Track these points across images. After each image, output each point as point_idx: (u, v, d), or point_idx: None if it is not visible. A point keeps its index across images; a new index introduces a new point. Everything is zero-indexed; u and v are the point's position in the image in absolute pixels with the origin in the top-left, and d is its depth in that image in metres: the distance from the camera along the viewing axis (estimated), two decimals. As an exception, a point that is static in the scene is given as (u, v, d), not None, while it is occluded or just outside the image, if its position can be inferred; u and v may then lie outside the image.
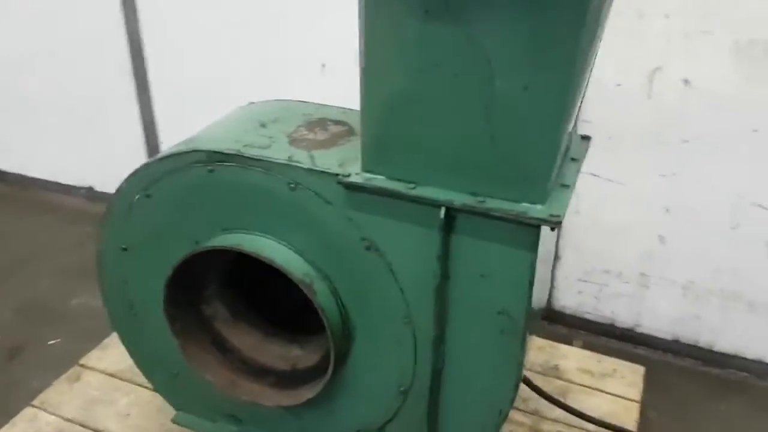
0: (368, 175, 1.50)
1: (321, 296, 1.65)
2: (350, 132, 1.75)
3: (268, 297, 2.06)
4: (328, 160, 1.60)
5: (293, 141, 1.70)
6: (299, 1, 3.04)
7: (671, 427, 2.69)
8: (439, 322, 1.59)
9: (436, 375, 1.66)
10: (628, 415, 2.52)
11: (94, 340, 2.82)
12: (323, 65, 3.15)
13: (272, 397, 1.87)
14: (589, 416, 2.26)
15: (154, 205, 1.77)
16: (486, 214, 1.41)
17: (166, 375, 2.07)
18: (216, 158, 1.65)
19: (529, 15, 1.20)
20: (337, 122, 1.80)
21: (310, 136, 1.72)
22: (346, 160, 1.59)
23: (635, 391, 2.65)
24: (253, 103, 2.05)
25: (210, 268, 1.87)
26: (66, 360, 2.74)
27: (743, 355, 2.98)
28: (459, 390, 1.67)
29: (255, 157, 1.61)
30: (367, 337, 1.71)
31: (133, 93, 3.56)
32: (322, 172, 1.56)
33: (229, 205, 1.70)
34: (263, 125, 1.78)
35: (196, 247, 1.70)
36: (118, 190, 1.81)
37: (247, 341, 1.97)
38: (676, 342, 3.06)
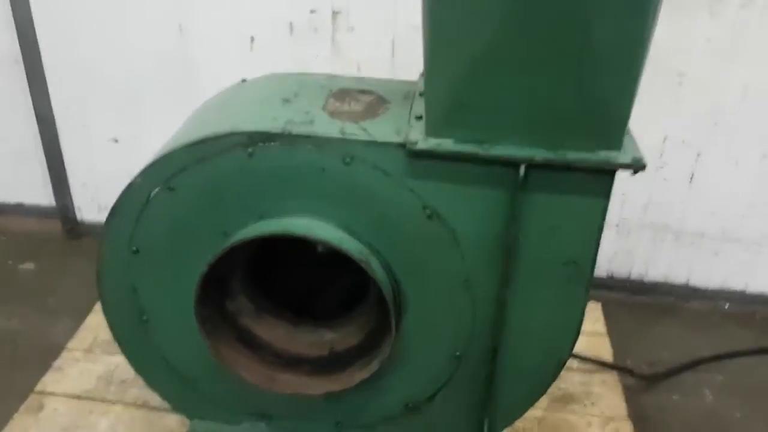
0: (436, 141, 1.47)
1: (378, 272, 1.59)
2: (382, 100, 1.69)
3: (280, 285, 1.96)
4: (383, 131, 1.54)
5: (333, 114, 1.61)
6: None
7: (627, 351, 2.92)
8: (505, 281, 1.60)
9: (496, 334, 1.68)
10: (604, 347, 2.70)
11: (23, 365, 2.53)
12: (252, 38, 2.98)
13: (317, 386, 1.79)
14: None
15: (177, 198, 1.61)
16: (566, 167, 1.43)
17: (180, 383, 1.91)
18: (258, 139, 1.53)
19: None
20: (362, 92, 1.73)
21: (346, 107, 1.64)
22: (400, 129, 1.54)
23: (601, 326, 2.84)
24: (245, 80, 1.91)
25: (234, 261, 1.74)
26: (5, 392, 2.43)
27: (671, 282, 3.28)
28: (519, 345, 1.71)
29: (305, 134, 1.52)
30: (420, 307, 1.69)
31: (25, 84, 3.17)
32: (384, 143, 1.50)
33: (269, 190, 1.58)
34: (287, 101, 1.67)
35: (239, 238, 1.57)
36: (129, 187, 1.62)
37: (276, 333, 1.87)
38: (611, 278, 3.31)
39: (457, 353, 1.74)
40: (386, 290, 1.59)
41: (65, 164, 3.34)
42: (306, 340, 1.88)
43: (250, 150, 1.53)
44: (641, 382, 2.78)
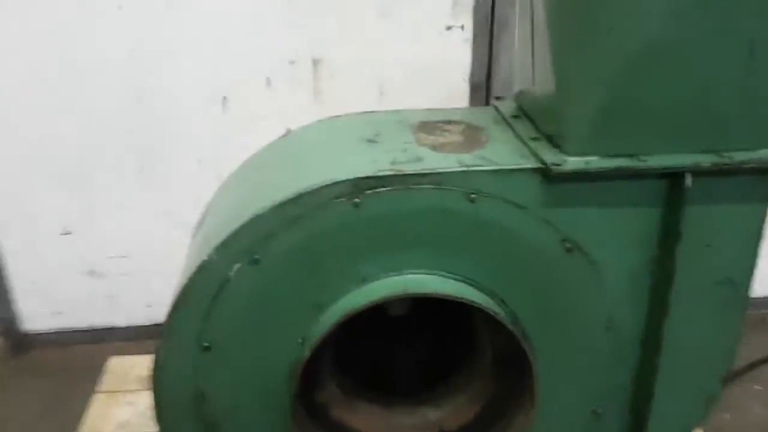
0: (583, 159, 1.26)
1: (510, 324, 1.34)
2: (474, 128, 1.47)
3: (358, 362, 1.66)
4: (506, 158, 1.31)
5: (435, 148, 1.36)
6: (195, 17, 2.53)
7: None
8: (659, 315, 1.39)
9: (646, 380, 1.45)
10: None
11: None
12: (225, 99, 2.69)
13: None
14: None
15: (263, 273, 1.29)
16: (729, 171, 1.26)
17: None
18: (366, 186, 1.25)
19: None
20: (448, 122, 1.50)
21: (443, 140, 1.40)
22: (523, 153, 1.32)
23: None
24: (290, 130, 1.63)
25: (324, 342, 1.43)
26: None
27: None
28: (665, 389, 1.48)
29: (422, 172, 1.26)
30: (553, 360, 1.44)
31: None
32: (516, 170, 1.27)
33: (377, 246, 1.31)
34: (372, 141, 1.41)
35: (351, 306, 1.27)
36: (201, 268, 1.29)
37: (372, 422, 1.55)
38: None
39: (597, 410, 1.50)
40: (526, 345, 1.34)
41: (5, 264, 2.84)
42: (408, 425, 1.57)
43: (356, 200, 1.25)
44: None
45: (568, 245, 1.32)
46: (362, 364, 1.64)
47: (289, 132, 1.62)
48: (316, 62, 2.69)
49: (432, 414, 1.57)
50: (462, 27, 2.72)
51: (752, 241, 1.35)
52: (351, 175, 1.25)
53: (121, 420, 2.29)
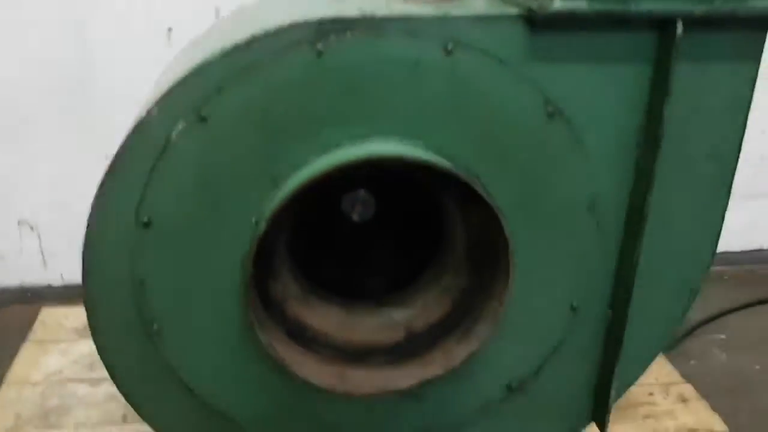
0: (568, 2, 1.14)
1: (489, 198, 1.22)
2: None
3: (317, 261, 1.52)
4: (487, 7, 1.19)
5: (409, 1, 1.23)
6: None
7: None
8: (640, 192, 1.29)
9: (628, 267, 1.35)
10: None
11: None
12: (170, 29, 2.51)
13: (405, 377, 1.35)
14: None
15: (211, 133, 1.14)
16: (722, 20, 1.17)
17: (210, 421, 1.38)
18: (331, 29, 1.11)
19: None
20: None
21: (420, -2, 1.27)
22: (507, 4, 1.21)
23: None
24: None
25: (279, 226, 1.28)
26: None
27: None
28: (647, 278, 1.38)
29: (393, 16, 1.13)
30: (530, 246, 1.33)
31: None
32: (500, 16, 1.15)
33: (341, 103, 1.17)
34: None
35: (309, 174, 1.13)
36: (138, 128, 1.12)
37: (332, 321, 1.41)
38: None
39: (574, 303, 1.39)
40: (504, 221, 1.22)
41: None
42: (371, 326, 1.43)
43: (319, 47, 1.11)
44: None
45: (550, 109, 1.21)
46: (323, 267, 1.49)
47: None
48: (267, -8, 2.53)
49: (398, 314, 1.44)
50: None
51: (741, 107, 1.26)
52: (314, 18, 1.11)
53: (51, 369, 2.08)
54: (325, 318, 1.40)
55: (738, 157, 1.30)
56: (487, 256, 1.31)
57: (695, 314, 2.95)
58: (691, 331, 2.86)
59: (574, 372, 1.46)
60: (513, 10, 1.16)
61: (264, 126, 1.15)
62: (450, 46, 1.14)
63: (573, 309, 1.39)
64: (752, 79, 1.24)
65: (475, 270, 1.35)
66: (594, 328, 1.42)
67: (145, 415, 1.38)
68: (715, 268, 3.33)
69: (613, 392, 1.44)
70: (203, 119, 1.12)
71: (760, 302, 3.04)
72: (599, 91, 1.22)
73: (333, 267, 1.51)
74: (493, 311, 1.30)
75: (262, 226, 1.13)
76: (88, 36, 2.42)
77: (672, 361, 2.57)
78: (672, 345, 2.74)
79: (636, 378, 1.49)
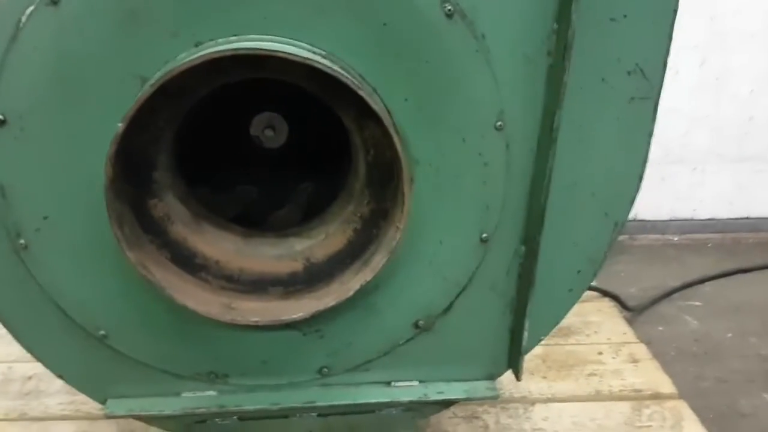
0: None
1: (381, 112, 1.11)
2: None
3: (215, 188, 1.42)
4: None
5: None
6: None
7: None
8: (552, 109, 1.16)
9: (541, 193, 1.23)
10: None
11: None
12: None
13: (297, 307, 1.25)
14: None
15: (65, 18, 1.03)
16: None
17: (85, 345, 1.29)
18: None
19: None
20: None
21: None
22: None
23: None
24: None
25: (157, 138, 1.18)
26: None
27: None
28: (564, 208, 1.26)
29: None
30: (433, 170, 1.21)
31: None
32: None
33: (212, -3, 1.05)
34: None
35: (172, 66, 1.02)
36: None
37: (224, 249, 1.31)
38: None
39: (484, 235, 1.27)
40: (395, 135, 1.10)
41: None
42: (269, 255, 1.33)
43: None
44: (625, 314, 2.48)
45: (448, 7, 1.09)
46: (220, 194, 1.40)
47: None
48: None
49: (298, 244, 1.33)
50: None
51: (666, 18, 1.13)
52: None
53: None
54: (219, 245, 1.29)
55: (664, 73, 1.17)
56: (385, 180, 1.21)
57: (672, 281, 2.85)
58: (663, 297, 2.75)
59: (488, 312, 1.35)
60: None
61: (123, 14, 1.04)
62: None
63: (483, 240, 1.28)
64: (677, -18, 1.11)
65: (375, 196, 1.24)
66: (507, 263, 1.30)
67: (25, 344, 1.30)
68: (698, 235, 3.23)
69: (526, 335, 1.33)
70: (55, 2, 1.02)
71: (740, 271, 2.92)
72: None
73: (235, 193, 1.41)
74: (390, 239, 1.19)
75: (120, 126, 1.03)
76: None
77: (639, 326, 2.46)
78: (640, 309, 2.64)
79: (555, 321, 1.38)
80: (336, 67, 1.05)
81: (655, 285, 2.82)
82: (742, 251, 3.10)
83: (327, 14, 1.07)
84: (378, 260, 1.20)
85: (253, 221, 1.39)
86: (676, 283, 2.81)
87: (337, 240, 1.31)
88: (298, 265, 1.31)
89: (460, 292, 1.32)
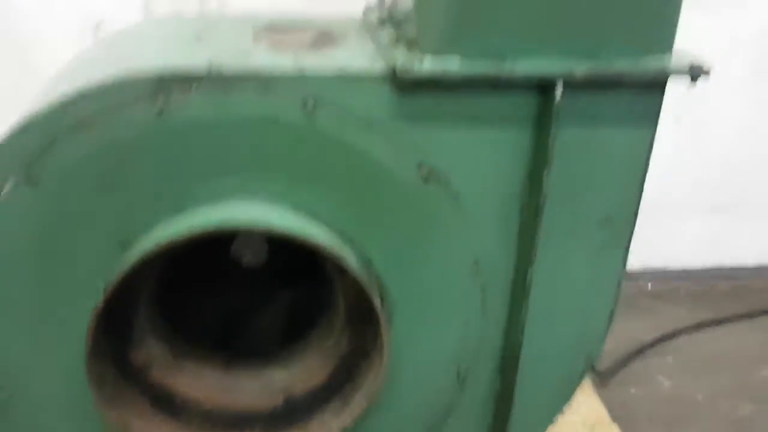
0: (440, 60, 1.04)
1: (357, 270, 1.12)
2: (330, 33, 1.24)
3: (195, 317, 1.42)
4: (355, 59, 1.09)
5: (274, 45, 1.13)
6: None
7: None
8: (526, 256, 1.19)
9: (516, 331, 1.26)
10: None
11: None
12: (98, 25, 2.37)
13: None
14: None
15: (43, 195, 1.04)
16: (608, 83, 1.07)
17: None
18: (172, 85, 1.00)
19: None
20: (297, 27, 1.26)
21: (288, 39, 1.17)
22: (376, 56, 1.10)
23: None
24: (121, 31, 1.36)
25: (136, 289, 1.18)
26: None
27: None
28: (538, 344, 1.29)
29: (245, 72, 1.02)
30: (411, 311, 1.23)
31: None
32: (364, 74, 1.05)
33: (189, 164, 1.06)
34: (200, 38, 1.16)
35: (150, 247, 1.03)
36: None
37: (205, 385, 1.31)
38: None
39: (461, 370, 1.30)
40: (373, 295, 1.12)
41: None
42: (249, 389, 1.34)
43: (159, 103, 1.00)
44: (596, 379, 2.51)
45: (425, 172, 1.11)
46: (201, 322, 1.40)
47: (118, 32, 1.35)
48: (203, -8, 2.40)
49: (278, 376, 1.34)
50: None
51: (636, 172, 1.16)
52: (154, 72, 1.00)
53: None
54: (199, 382, 1.30)
55: (634, 222, 1.20)
56: (365, 321, 1.22)
57: (645, 334, 2.88)
58: (637, 353, 2.78)
59: (466, 440, 1.37)
60: (379, 67, 1.05)
61: (104, 187, 1.04)
62: (310, 104, 1.04)
63: (459, 376, 1.30)
64: (648, 142, 1.14)
65: (354, 335, 1.26)
66: (483, 396, 1.33)
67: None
68: (673, 283, 3.26)
69: (505, 459, 1.35)
70: (34, 179, 1.02)
71: (714, 322, 2.96)
72: (477, 154, 1.12)
73: (213, 323, 1.41)
74: (371, 381, 1.21)
75: (100, 300, 1.03)
76: (8, 28, 2.28)
77: (612, 388, 2.49)
78: (616, 369, 2.67)
79: (534, 441, 1.41)
80: (315, 237, 1.06)
81: (629, 338, 2.84)
82: (717, 300, 3.15)
83: (306, 183, 1.09)
84: (358, 403, 1.22)
85: (233, 341, 1.40)
86: (650, 336, 2.84)
87: (317, 374, 1.32)
88: (278, 400, 1.33)
89: (439, 423, 1.34)
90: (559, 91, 1.04)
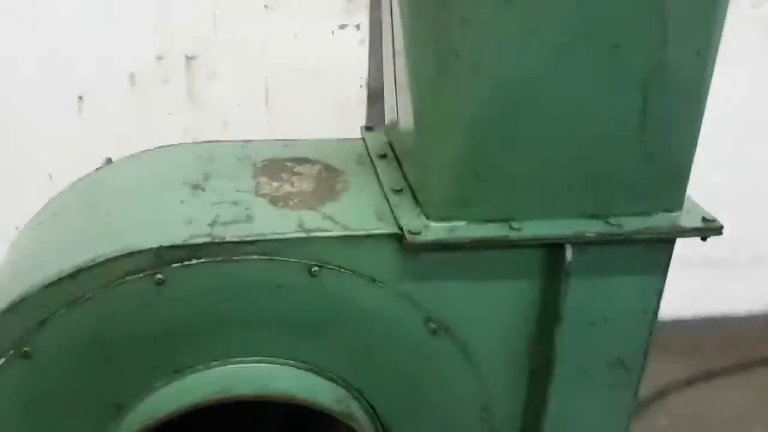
0: (445, 226, 1.02)
1: (363, 424, 1.10)
2: (331, 170, 1.21)
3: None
4: (358, 218, 1.06)
5: (275, 200, 1.10)
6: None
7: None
8: (535, 408, 1.18)
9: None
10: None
11: None
12: (80, 98, 2.32)
13: None
14: None
15: (39, 369, 1.00)
16: (619, 240, 1.05)
17: None
18: (172, 258, 0.97)
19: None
20: (302, 161, 1.23)
21: (288, 187, 1.14)
22: (381, 211, 1.08)
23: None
24: (110, 160, 1.33)
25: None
26: None
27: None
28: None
29: (249, 240, 0.99)
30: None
31: None
32: (368, 236, 1.02)
33: (188, 330, 1.03)
34: (197, 187, 1.13)
35: (152, 415, 1.00)
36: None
37: None
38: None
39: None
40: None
41: None
42: None
43: (159, 277, 0.97)
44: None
45: (433, 326, 1.09)
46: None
47: (108, 162, 1.31)
48: (189, 59, 2.36)
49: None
50: (357, 26, 2.44)
51: (645, 318, 1.15)
52: (152, 243, 0.97)
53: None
54: None
55: (645, 362, 1.19)
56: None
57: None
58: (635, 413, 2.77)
59: None
60: (384, 229, 1.03)
61: (99, 357, 1.01)
62: (315, 269, 1.01)
63: None
64: (658, 291, 1.13)
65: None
66: None
67: None
68: (663, 336, 3.26)
69: None
70: (26, 355, 0.98)
71: (707, 375, 2.95)
72: (486, 307, 1.09)
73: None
74: None
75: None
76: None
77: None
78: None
79: None
80: (321, 400, 1.04)
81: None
82: (709, 352, 3.15)
83: (310, 340, 1.06)
84: None
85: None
86: (643, 394, 2.82)
87: None
88: None
89: None
90: (569, 253, 1.02)
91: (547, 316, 1.09)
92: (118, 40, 2.23)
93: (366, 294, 1.05)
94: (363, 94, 2.53)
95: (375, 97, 2.52)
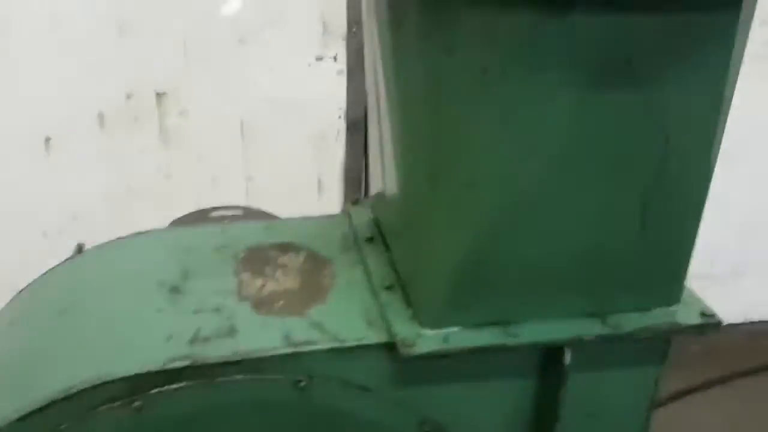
0: (440, 332, 0.98)
1: None
2: (317, 259, 1.16)
3: None
4: (348, 324, 1.01)
5: (259, 305, 1.04)
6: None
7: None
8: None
9: None
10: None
11: None
12: (48, 139, 2.25)
13: None
14: None
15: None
16: (618, 338, 1.02)
17: None
18: (149, 384, 0.92)
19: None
20: (281, 248, 1.18)
21: (273, 286, 1.08)
22: (370, 314, 1.03)
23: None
24: (81, 248, 1.26)
25: None
26: None
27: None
28: None
29: (232, 361, 0.94)
30: None
31: None
32: (359, 347, 0.97)
33: (174, 447, 0.98)
34: (176, 290, 1.07)
35: None
36: None
37: None
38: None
39: None
40: None
41: None
42: None
43: (136, 404, 0.91)
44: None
45: (427, 429, 1.04)
46: None
47: (79, 250, 1.24)
48: (159, 96, 2.28)
49: None
50: (334, 57, 2.38)
51: (644, 404, 1.12)
52: (129, 369, 0.91)
53: None
54: None
55: None
56: None
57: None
58: None
59: None
60: (374, 338, 0.98)
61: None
62: (303, 383, 0.96)
63: None
64: (654, 382, 1.10)
65: None
66: None
67: None
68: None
69: None
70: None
71: (691, 390, 2.96)
72: (481, 408, 1.06)
73: None
74: None
75: None
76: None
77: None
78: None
79: None
80: None
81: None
82: (689, 364, 3.17)
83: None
84: None
85: None
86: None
87: None
88: None
89: None
90: (568, 357, 0.99)
91: (545, 414, 1.06)
92: (86, 79, 2.16)
93: (357, 403, 1.00)
94: (342, 125, 2.48)
95: (354, 127, 2.47)
